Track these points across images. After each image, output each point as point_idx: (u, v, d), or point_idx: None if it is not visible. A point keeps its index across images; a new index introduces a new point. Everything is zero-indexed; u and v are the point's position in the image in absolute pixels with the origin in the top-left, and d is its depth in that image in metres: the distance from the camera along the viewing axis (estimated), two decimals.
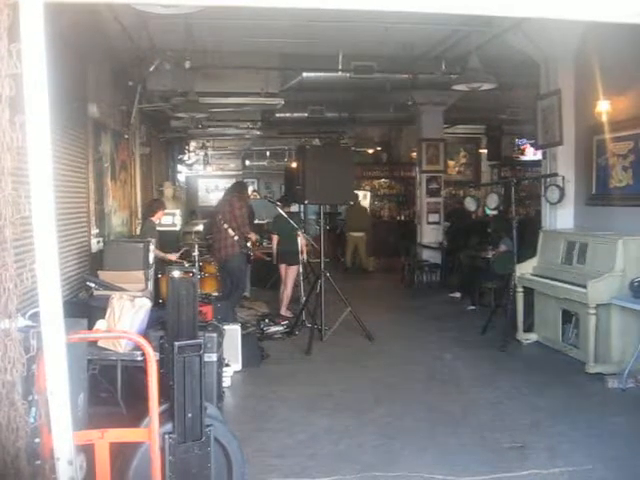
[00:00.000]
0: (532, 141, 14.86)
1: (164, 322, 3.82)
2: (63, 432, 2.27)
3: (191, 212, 17.90)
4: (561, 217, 8.14)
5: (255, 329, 8.27)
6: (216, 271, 8.79)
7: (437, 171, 13.94)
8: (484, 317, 8.73)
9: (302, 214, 12.35)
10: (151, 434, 3.06)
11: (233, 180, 15.30)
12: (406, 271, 13.45)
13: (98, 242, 7.60)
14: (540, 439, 4.95)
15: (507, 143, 17.25)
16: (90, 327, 4.12)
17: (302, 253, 9.55)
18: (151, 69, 8.61)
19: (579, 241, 7.20)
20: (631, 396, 5.90)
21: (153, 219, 8.62)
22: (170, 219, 11.55)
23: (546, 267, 7.65)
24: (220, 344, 4.87)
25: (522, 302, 7.93)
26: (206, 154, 19.40)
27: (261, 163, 20.19)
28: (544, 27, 7.31)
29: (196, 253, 8.57)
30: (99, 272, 6.43)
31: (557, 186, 7.98)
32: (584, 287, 6.51)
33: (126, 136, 9.84)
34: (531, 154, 16.42)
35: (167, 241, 9.71)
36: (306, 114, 12.61)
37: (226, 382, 6.13)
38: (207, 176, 21.47)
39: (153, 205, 9.04)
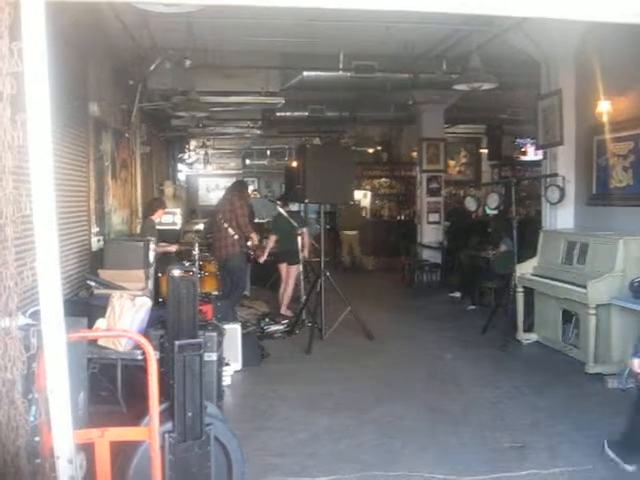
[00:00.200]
0: (533, 141, 14.86)
1: (164, 321, 3.82)
2: (63, 431, 2.27)
3: (191, 211, 17.91)
4: (561, 217, 8.14)
5: (255, 328, 8.27)
6: (216, 270, 8.79)
7: (437, 171, 13.95)
8: (484, 317, 8.73)
9: (302, 213, 12.32)
10: (151, 433, 3.06)
11: (233, 179, 15.30)
12: (406, 270, 13.46)
13: (98, 241, 7.60)
14: (540, 439, 4.95)
15: (508, 143, 17.23)
16: (90, 326, 4.13)
17: (303, 251, 9.55)
18: (152, 68, 8.61)
19: (579, 241, 7.20)
20: (631, 396, 5.90)
21: (153, 218, 8.62)
22: (170, 218, 11.55)
23: (546, 267, 7.65)
24: (220, 343, 4.87)
25: (522, 302, 7.93)
26: (206, 153, 19.39)
27: (261, 162, 20.18)
28: (545, 27, 7.31)
29: (196, 252, 8.57)
30: (99, 271, 6.43)
31: (557, 186, 7.98)
32: (584, 287, 6.50)
33: (127, 135, 9.84)
34: (532, 154, 16.40)
35: (167, 240, 9.70)
36: (306, 113, 12.61)
37: (226, 381, 6.14)
38: (207, 175, 21.45)
39: (153, 204, 9.05)
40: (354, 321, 8.25)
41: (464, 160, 18.93)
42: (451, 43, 8.68)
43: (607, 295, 6.38)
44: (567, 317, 7.24)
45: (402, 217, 18.11)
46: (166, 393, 3.35)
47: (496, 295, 9.44)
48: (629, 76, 6.89)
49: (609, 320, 6.47)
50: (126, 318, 4.45)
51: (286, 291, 9.65)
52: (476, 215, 12.72)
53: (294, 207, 11.03)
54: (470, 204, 9.57)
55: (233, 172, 20.71)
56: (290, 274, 9.64)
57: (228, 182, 14.11)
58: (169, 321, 3.52)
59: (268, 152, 19.61)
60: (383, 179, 18.97)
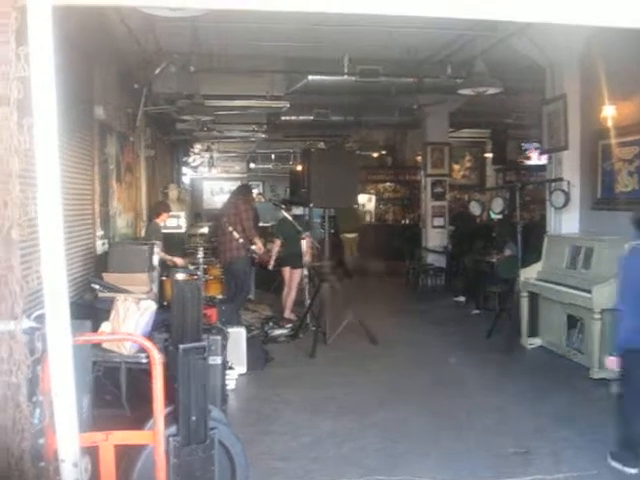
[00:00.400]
0: (538, 145, 14.85)
1: (169, 324, 3.83)
2: (68, 434, 2.27)
3: (196, 214, 17.92)
4: (566, 222, 8.12)
5: (260, 332, 8.27)
6: (221, 274, 8.79)
7: (442, 175, 13.95)
8: (489, 321, 8.71)
9: (307, 217, 12.32)
10: (156, 437, 3.06)
11: (238, 183, 15.31)
12: (410, 275, 13.44)
13: (103, 244, 7.61)
14: (544, 444, 4.94)
15: (512, 147, 17.22)
16: (95, 329, 4.12)
17: (306, 256, 9.55)
18: (157, 72, 8.63)
19: (584, 246, 7.19)
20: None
21: (157, 221, 8.64)
22: (175, 221, 11.56)
23: (551, 272, 7.64)
24: (224, 347, 4.87)
25: (527, 307, 7.92)
26: (211, 156, 19.43)
27: (266, 166, 20.21)
28: (549, 32, 7.30)
29: (201, 256, 8.57)
30: (104, 274, 6.44)
31: (562, 190, 7.97)
32: (589, 292, 6.49)
33: (131, 138, 9.86)
34: (535, 158, 16.38)
35: (172, 244, 9.72)
36: (311, 117, 12.61)
37: (231, 385, 6.14)
38: (212, 178, 21.49)
39: (158, 207, 9.07)
40: (358, 325, 8.25)
41: (468, 164, 18.92)
42: (455, 48, 8.68)
43: (612, 300, 6.34)
44: (572, 322, 7.23)
45: (406, 221, 18.10)
46: (170, 397, 3.35)
47: (500, 300, 9.42)
48: (634, 80, 6.88)
49: (614, 325, 6.44)
50: (130, 321, 4.45)
51: (289, 295, 9.65)
52: (480, 219, 12.72)
53: (298, 211, 11.03)
54: (475, 208, 9.57)
55: (238, 176, 20.75)
56: (293, 278, 9.63)
57: (233, 186, 14.12)
58: (173, 325, 3.53)
59: (273, 156, 19.65)
60: (387, 183, 18.97)
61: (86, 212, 7.17)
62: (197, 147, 18.33)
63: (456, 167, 17.93)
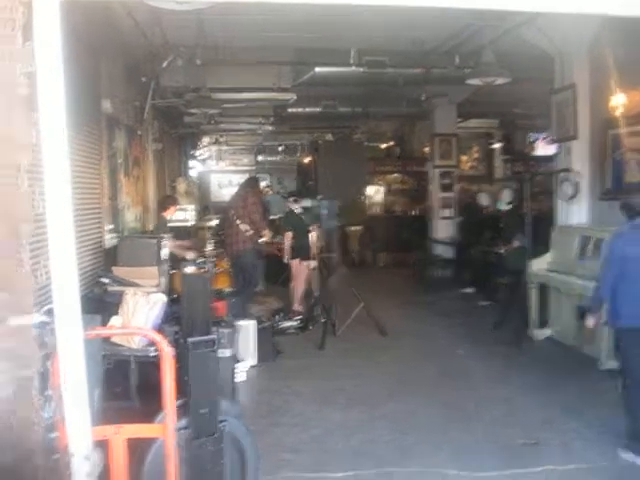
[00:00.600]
0: (545, 135, 14.78)
1: (178, 317, 3.83)
2: (80, 428, 2.28)
3: (204, 207, 17.92)
4: (575, 212, 8.08)
5: (269, 324, 8.28)
6: (229, 267, 8.80)
7: (450, 166, 13.92)
8: (497, 312, 8.71)
9: (314, 209, 12.30)
10: (166, 430, 3.07)
11: (245, 175, 15.29)
12: (418, 266, 13.42)
13: (112, 238, 7.62)
14: (553, 436, 4.95)
15: (521, 138, 17.12)
16: (104, 323, 4.14)
17: (314, 248, 9.54)
18: (164, 65, 8.62)
19: (594, 236, 7.15)
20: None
21: (165, 214, 8.65)
22: (183, 214, 11.57)
23: (560, 263, 7.61)
24: (234, 339, 4.88)
25: (536, 298, 7.90)
26: (219, 149, 19.41)
27: (274, 158, 20.18)
28: (558, 21, 7.25)
29: (209, 249, 8.59)
30: (113, 268, 6.45)
31: (571, 181, 7.93)
32: None
33: (139, 132, 9.85)
34: (542, 149, 16.28)
35: (179, 237, 9.72)
36: (318, 109, 12.55)
37: (242, 377, 6.17)
38: (219, 171, 21.48)
39: (165, 201, 9.08)
40: (367, 317, 8.25)
41: (476, 155, 18.83)
42: (463, 38, 8.61)
43: None
44: (581, 313, 7.19)
45: (414, 212, 18.04)
46: (180, 390, 3.36)
47: (509, 291, 9.39)
48: None
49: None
50: (140, 315, 4.46)
51: (298, 287, 9.65)
52: (487, 211, 12.68)
53: (306, 203, 11.02)
54: (483, 200, 9.54)
55: (245, 168, 20.71)
56: (302, 270, 9.63)
57: (240, 178, 14.11)
58: (183, 318, 3.53)
59: (280, 148, 19.61)
60: (395, 174, 18.90)
61: (94, 206, 7.17)
62: (205, 140, 18.33)
63: (464, 158, 17.83)
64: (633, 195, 5.16)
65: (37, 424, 2.53)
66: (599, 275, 5.00)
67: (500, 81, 8.15)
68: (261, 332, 7.11)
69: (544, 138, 15.68)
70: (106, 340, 4.39)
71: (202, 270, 5.03)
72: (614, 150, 7.55)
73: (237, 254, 8.88)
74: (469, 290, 11.25)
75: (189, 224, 12.13)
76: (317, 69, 9.16)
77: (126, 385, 4.51)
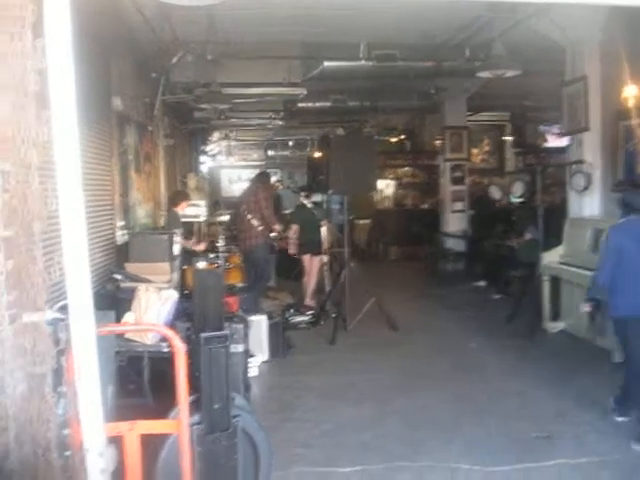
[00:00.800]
0: (557, 126, 14.69)
1: (190, 313, 3.84)
2: (94, 424, 2.29)
3: (214, 203, 17.96)
4: (587, 204, 8.02)
5: (281, 319, 8.30)
6: (241, 262, 8.82)
7: (461, 159, 13.88)
8: (509, 306, 8.68)
9: (325, 204, 12.29)
10: (180, 425, 3.08)
11: (256, 170, 15.30)
12: (429, 260, 13.39)
13: (123, 234, 7.65)
14: (566, 428, 4.93)
15: (532, 130, 17.03)
16: (117, 319, 4.16)
17: (325, 242, 9.56)
18: (174, 61, 8.62)
19: (606, 228, 7.09)
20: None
21: (176, 210, 8.68)
22: (194, 210, 11.59)
23: (573, 255, 7.57)
24: (246, 335, 4.89)
25: (548, 290, 7.87)
26: (229, 145, 19.42)
27: (284, 153, 20.18)
28: (569, 12, 7.19)
29: (221, 244, 8.61)
30: (125, 264, 6.48)
31: (583, 173, 7.88)
32: None
33: (150, 128, 9.87)
34: (552, 141, 16.19)
35: (191, 232, 9.75)
36: (328, 103, 12.54)
37: (254, 372, 6.18)
38: (230, 167, 21.50)
39: (176, 197, 9.11)
40: (378, 312, 8.25)
41: (487, 148, 18.75)
42: (473, 30, 8.57)
43: None
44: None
45: (425, 206, 18.00)
46: (193, 385, 3.37)
47: (522, 284, 9.36)
48: None
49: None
50: (152, 311, 4.48)
51: (310, 282, 9.66)
52: (499, 203, 12.64)
53: (317, 198, 11.02)
54: (494, 193, 9.50)
55: (255, 163, 20.74)
56: (313, 265, 9.65)
57: (251, 173, 14.13)
58: (195, 314, 3.54)
59: (290, 143, 19.61)
60: (406, 168, 18.85)
61: (106, 203, 7.20)
62: (215, 135, 18.35)
63: (475, 151, 17.76)
64: (629, 191, 5.29)
65: (51, 421, 2.54)
66: (598, 264, 5.16)
67: (510, 73, 8.11)
68: (272, 327, 7.12)
69: (554, 131, 15.59)
70: (120, 336, 4.42)
71: (214, 265, 5.05)
72: (626, 141, 7.50)
73: (249, 249, 8.90)
74: (481, 283, 11.23)
75: (201, 219, 12.15)
76: (326, 63, 9.14)
77: (139, 381, 4.54)
